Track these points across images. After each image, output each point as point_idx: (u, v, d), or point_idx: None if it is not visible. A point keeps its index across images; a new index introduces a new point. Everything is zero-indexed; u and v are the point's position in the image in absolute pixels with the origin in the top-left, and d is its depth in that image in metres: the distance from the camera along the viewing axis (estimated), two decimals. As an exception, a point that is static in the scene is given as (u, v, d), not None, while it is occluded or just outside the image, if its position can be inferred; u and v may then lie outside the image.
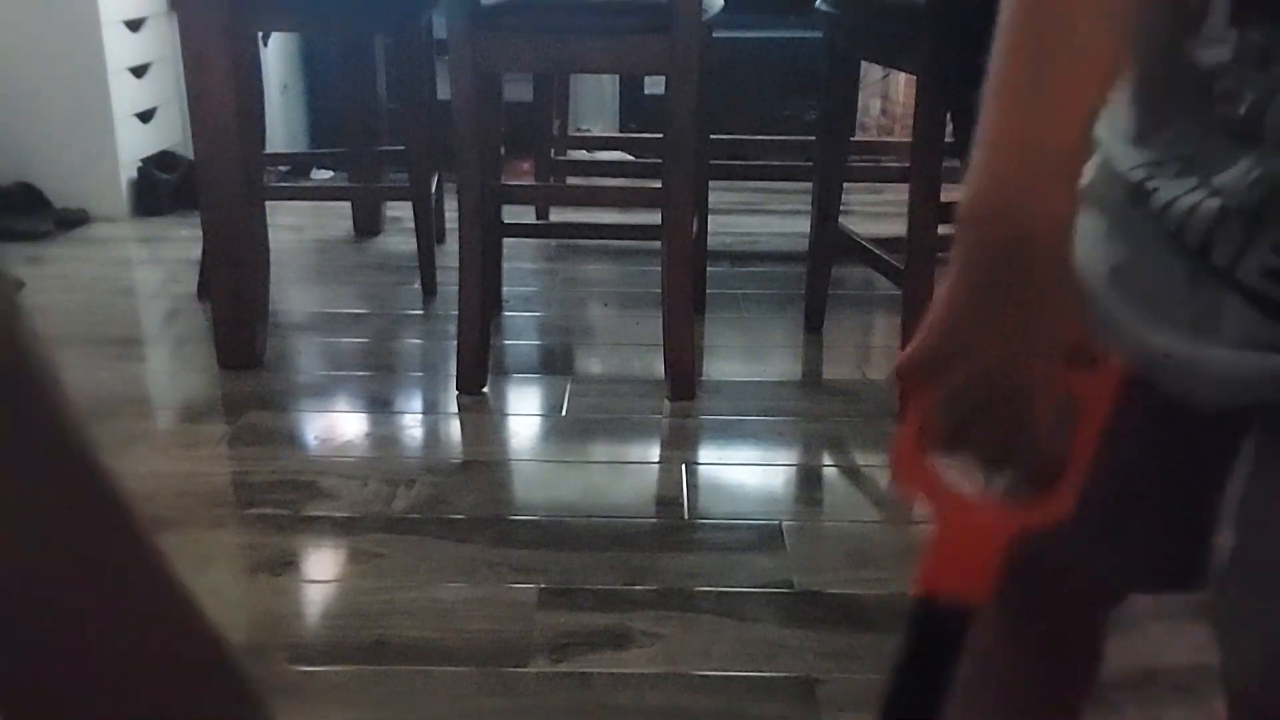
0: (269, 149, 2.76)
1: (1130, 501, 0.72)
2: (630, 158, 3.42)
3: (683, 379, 2.06)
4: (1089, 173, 0.65)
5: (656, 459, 1.88)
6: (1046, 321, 0.56)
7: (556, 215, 2.98)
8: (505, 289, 2.54)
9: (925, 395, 0.60)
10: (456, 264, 2.05)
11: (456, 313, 2.07)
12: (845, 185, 2.39)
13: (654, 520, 1.67)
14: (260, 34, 2.60)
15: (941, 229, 1.93)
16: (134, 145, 3.24)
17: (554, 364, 2.28)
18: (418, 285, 2.58)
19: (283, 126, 3.63)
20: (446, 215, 2.85)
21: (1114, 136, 0.65)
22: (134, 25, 3.21)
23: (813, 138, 2.48)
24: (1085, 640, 0.87)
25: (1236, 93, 0.55)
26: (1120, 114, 0.64)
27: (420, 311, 2.53)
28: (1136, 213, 0.62)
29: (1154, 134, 0.62)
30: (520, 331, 2.42)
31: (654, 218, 2.04)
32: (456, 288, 2.05)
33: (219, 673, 0.52)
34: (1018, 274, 0.55)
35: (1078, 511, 0.66)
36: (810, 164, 2.46)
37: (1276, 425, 0.60)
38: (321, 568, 1.57)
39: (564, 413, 2.02)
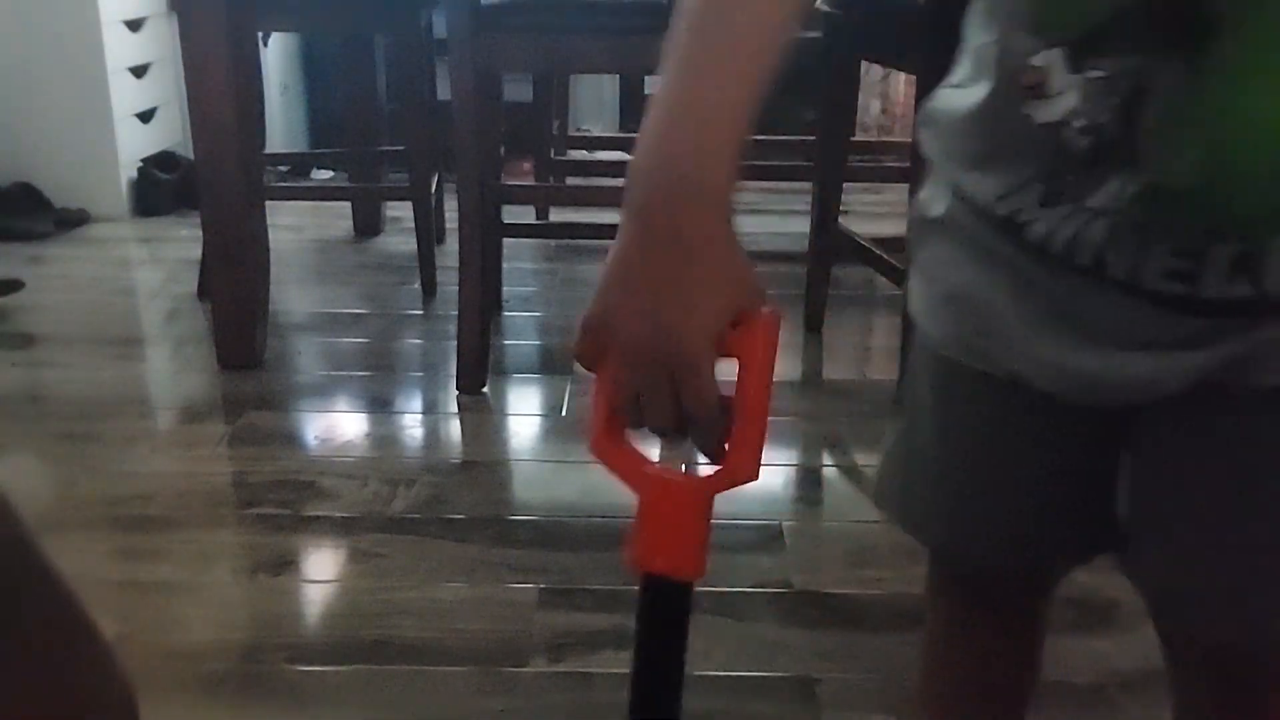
0: (269, 149, 2.77)
1: (1028, 505, 0.76)
2: (630, 158, 3.42)
3: (683, 379, 2.06)
4: (941, 204, 0.70)
5: (656, 459, 1.88)
6: (703, 284, 0.55)
7: (556, 215, 2.98)
8: (505, 289, 2.54)
9: (604, 368, 0.59)
10: (456, 264, 2.05)
11: (456, 313, 2.07)
12: (845, 185, 2.39)
13: (654, 520, 1.67)
14: (260, 34, 2.60)
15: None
16: (134, 145, 3.24)
17: (554, 364, 2.28)
18: (418, 285, 2.58)
19: (283, 126, 3.63)
20: (446, 215, 2.85)
21: (954, 163, 0.68)
22: (134, 25, 3.21)
23: (813, 138, 2.48)
24: (1030, 624, 0.90)
25: (1090, 127, 0.57)
26: (956, 140, 0.66)
27: (420, 311, 2.53)
28: (1009, 242, 0.64)
29: (1000, 163, 0.63)
30: (520, 331, 2.42)
31: (654, 218, 2.04)
32: (456, 288, 2.05)
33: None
34: (673, 234, 0.55)
35: (978, 513, 0.76)
36: (810, 164, 2.46)
37: (1179, 419, 0.64)
38: (321, 568, 1.57)
39: (564, 413, 2.02)
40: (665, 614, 0.61)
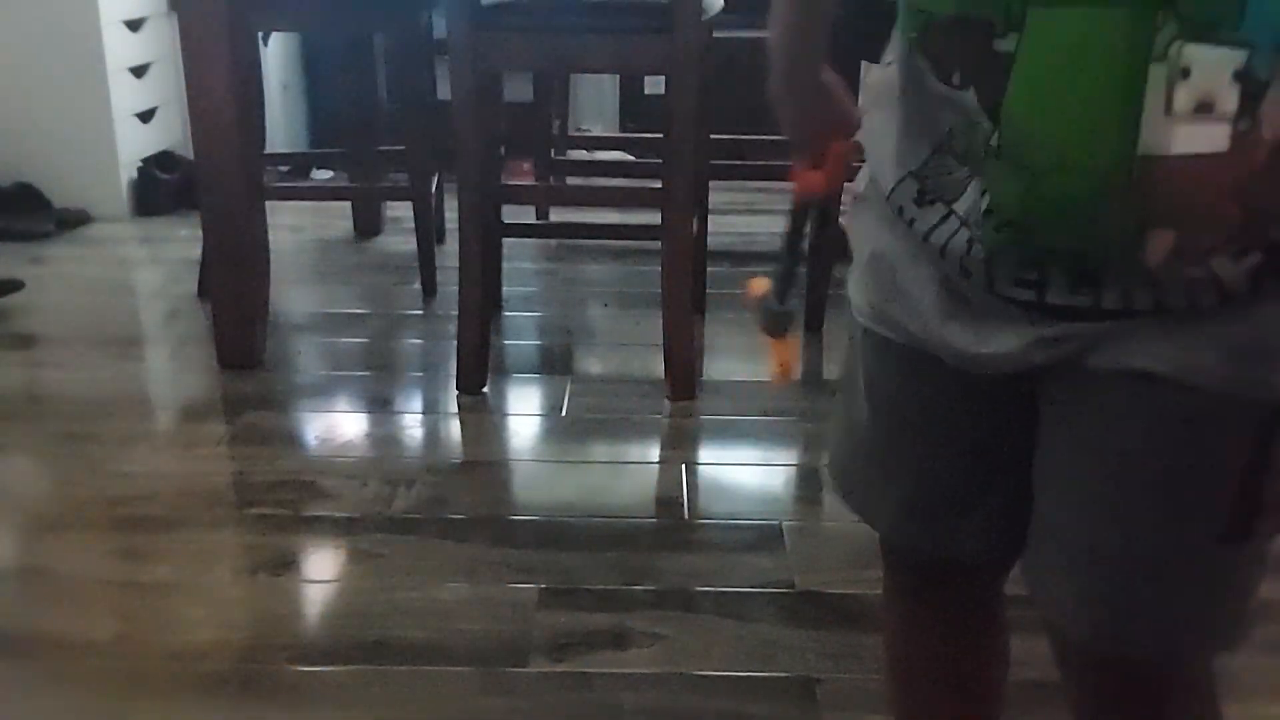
0: (269, 149, 2.77)
1: (949, 479, 0.81)
2: (630, 158, 3.42)
3: (683, 379, 2.06)
4: (863, 181, 0.81)
5: (656, 459, 1.88)
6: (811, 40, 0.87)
7: (556, 215, 2.98)
8: (505, 289, 2.54)
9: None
10: (456, 264, 2.05)
11: (456, 313, 2.07)
12: (845, 185, 2.39)
13: (654, 520, 1.67)
14: (260, 34, 2.60)
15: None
16: (134, 145, 3.24)
17: (554, 364, 2.28)
18: (418, 285, 2.58)
19: (283, 126, 3.63)
20: (446, 215, 2.85)
21: (881, 152, 0.75)
22: (134, 25, 3.21)
23: (813, 138, 2.47)
24: (981, 615, 0.93)
25: (959, 129, 0.66)
26: (888, 134, 0.73)
27: (420, 311, 2.53)
28: (901, 228, 0.73)
29: (911, 156, 0.71)
30: (520, 331, 2.42)
31: (654, 218, 2.04)
32: (456, 288, 2.05)
33: None
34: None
35: (909, 487, 0.82)
36: (810, 164, 2.45)
37: (1054, 397, 0.72)
38: (321, 568, 1.57)
39: (564, 413, 2.02)
40: (809, 212, 0.98)
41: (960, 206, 0.67)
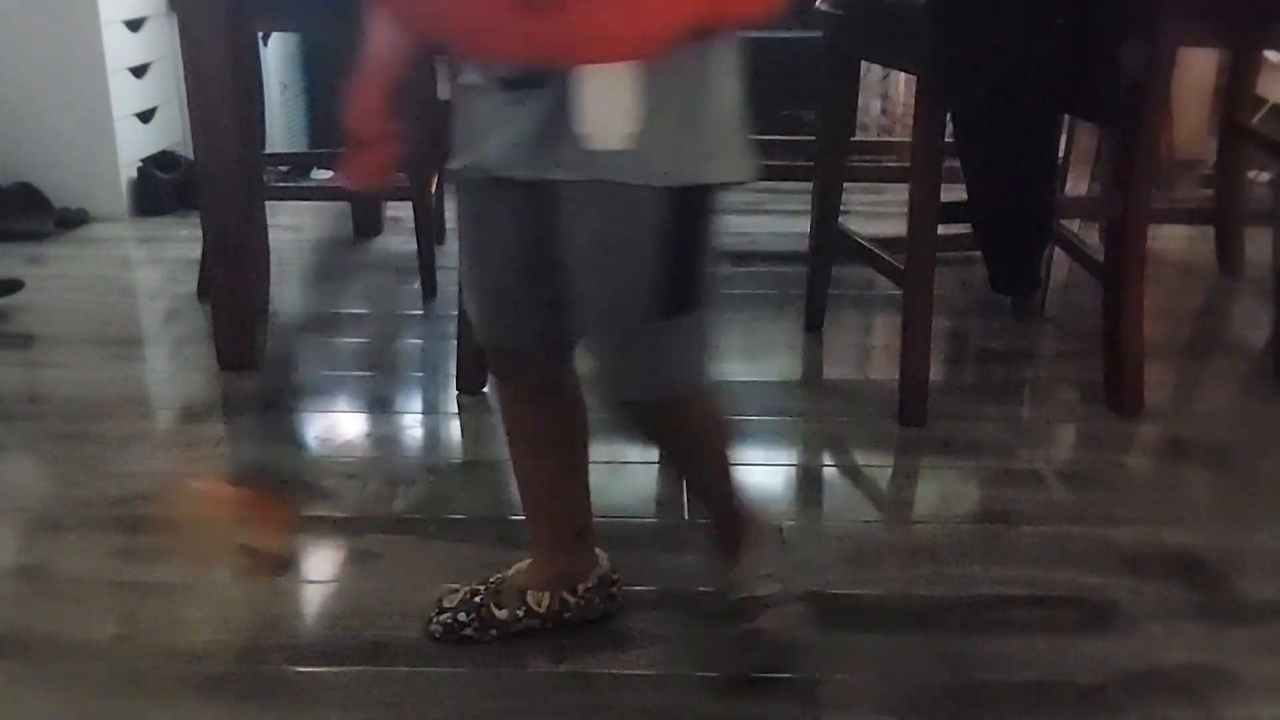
0: (269, 149, 2.77)
1: (507, 272, 1.18)
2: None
3: (683, 379, 2.06)
4: (470, 75, 1.12)
5: (656, 459, 1.88)
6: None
7: (556, 215, 2.97)
8: (505, 289, 2.53)
9: None
10: (456, 264, 2.04)
11: (456, 313, 2.07)
12: (845, 185, 2.39)
13: (654, 520, 1.67)
14: (260, 34, 2.59)
15: (941, 229, 1.94)
16: (134, 145, 3.24)
17: (554, 364, 2.28)
18: (418, 285, 2.58)
19: (283, 126, 3.63)
20: (446, 215, 2.85)
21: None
22: (134, 25, 3.21)
23: (813, 138, 2.48)
24: (557, 388, 1.30)
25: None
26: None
27: (420, 311, 2.53)
28: (479, 95, 1.10)
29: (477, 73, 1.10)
30: (520, 331, 2.42)
31: (654, 218, 2.04)
32: (456, 288, 2.05)
33: None
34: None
35: (497, 296, 1.22)
36: (810, 164, 2.46)
37: (561, 199, 1.06)
38: (322, 568, 1.57)
39: (564, 413, 2.02)
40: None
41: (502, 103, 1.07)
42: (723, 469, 1.32)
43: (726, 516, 1.33)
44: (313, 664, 1.33)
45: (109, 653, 1.34)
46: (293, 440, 1.93)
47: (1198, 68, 3.33)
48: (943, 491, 1.80)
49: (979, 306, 2.59)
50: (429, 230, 2.55)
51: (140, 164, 3.24)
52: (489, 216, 1.16)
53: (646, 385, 1.14)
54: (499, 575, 1.40)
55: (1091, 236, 2.40)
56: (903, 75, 3.68)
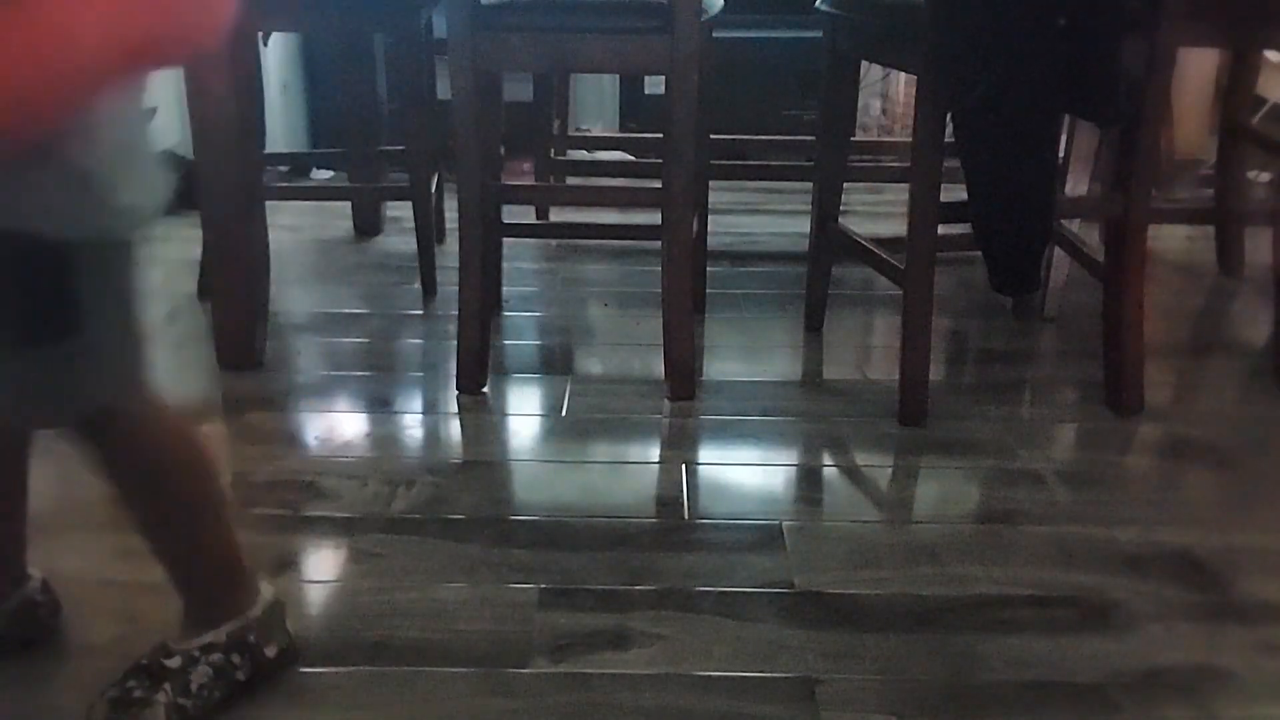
0: (269, 149, 2.76)
1: None
2: (630, 158, 3.42)
3: (683, 379, 2.06)
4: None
5: (656, 459, 1.88)
6: None
7: (556, 215, 2.98)
8: (505, 289, 2.54)
9: None
10: (456, 264, 2.05)
11: (456, 313, 2.07)
12: (845, 185, 2.39)
13: (654, 520, 1.67)
14: (260, 34, 2.59)
15: (941, 229, 1.94)
16: (134, 145, 3.23)
17: (554, 364, 2.28)
18: (418, 285, 2.59)
19: (283, 126, 3.62)
20: (446, 215, 2.85)
21: None
22: (134, 25, 3.21)
23: (813, 138, 2.48)
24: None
25: None
26: None
27: (420, 311, 2.53)
28: None
29: None
30: (520, 331, 2.42)
31: (654, 218, 2.04)
32: (456, 288, 2.05)
33: None
34: None
35: None
36: (810, 164, 2.46)
37: None
38: (321, 568, 1.57)
39: (564, 413, 2.02)
40: None
41: None
42: (193, 516, 1.27)
43: (203, 575, 1.28)
44: (313, 664, 1.33)
45: (109, 653, 1.34)
46: (292, 440, 1.93)
47: (1198, 68, 3.33)
48: (943, 491, 1.80)
49: (979, 306, 2.59)
50: (429, 230, 2.55)
51: (140, 164, 3.23)
52: None
53: (13, 410, 1.17)
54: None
55: (1091, 236, 2.39)
56: (903, 75, 3.68)
